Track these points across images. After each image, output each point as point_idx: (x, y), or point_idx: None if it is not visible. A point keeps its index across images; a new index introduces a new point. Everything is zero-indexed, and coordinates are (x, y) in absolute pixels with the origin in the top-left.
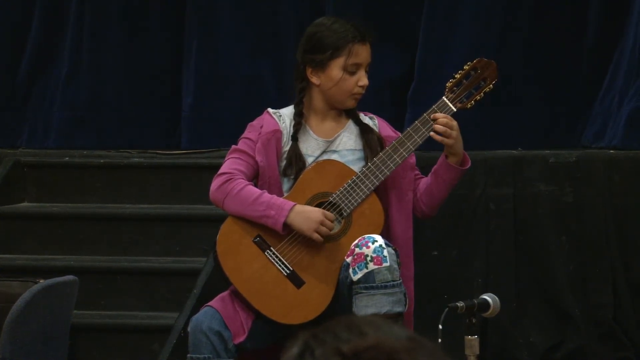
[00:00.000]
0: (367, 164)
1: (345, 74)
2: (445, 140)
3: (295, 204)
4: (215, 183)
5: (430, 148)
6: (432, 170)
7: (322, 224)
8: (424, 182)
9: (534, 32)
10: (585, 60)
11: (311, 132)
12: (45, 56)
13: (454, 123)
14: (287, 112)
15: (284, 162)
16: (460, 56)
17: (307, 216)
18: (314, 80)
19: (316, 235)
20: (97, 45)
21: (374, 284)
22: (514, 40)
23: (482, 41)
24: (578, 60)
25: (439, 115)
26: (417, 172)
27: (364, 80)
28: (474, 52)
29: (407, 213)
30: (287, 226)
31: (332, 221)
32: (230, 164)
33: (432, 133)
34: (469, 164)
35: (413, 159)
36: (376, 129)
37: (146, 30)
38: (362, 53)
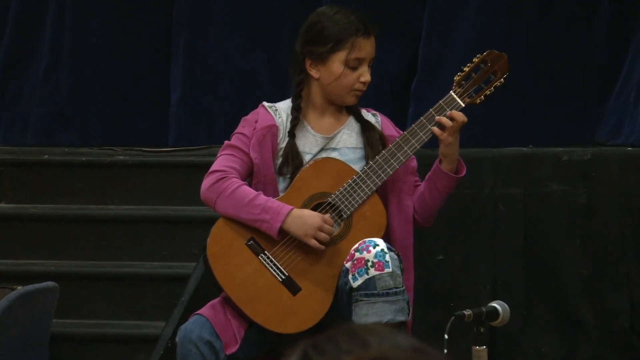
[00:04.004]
0: (368, 162)
1: (346, 69)
2: (445, 137)
3: (292, 208)
4: (207, 181)
5: (435, 145)
6: (426, 177)
7: (320, 229)
8: (418, 189)
9: (543, 21)
10: (599, 51)
11: (309, 127)
12: (23, 50)
13: (464, 120)
14: (284, 106)
15: (279, 160)
16: (465, 49)
17: (304, 221)
18: (313, 73)
19: (314, 242)
20: (78, 38)
21: (375, 291)
22: (522, 31)
23: (487, 32)
24: (591, 51)
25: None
26: (417, 178)
27: (366, 76)
28: (479, 44)
29: (407, 219)
30: (282, 231)
31: (331, 225)
32: (223, 161)
33: (434, 128)
34: (464, 172)
35: (414, 163)
36: (379, 127)
37: (132, 22)
38: (366, 47)
